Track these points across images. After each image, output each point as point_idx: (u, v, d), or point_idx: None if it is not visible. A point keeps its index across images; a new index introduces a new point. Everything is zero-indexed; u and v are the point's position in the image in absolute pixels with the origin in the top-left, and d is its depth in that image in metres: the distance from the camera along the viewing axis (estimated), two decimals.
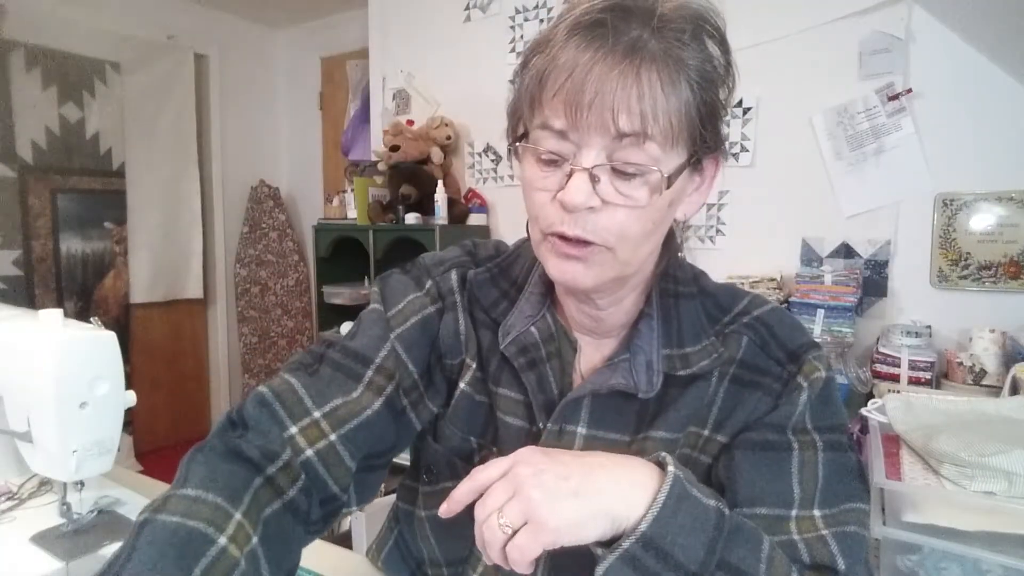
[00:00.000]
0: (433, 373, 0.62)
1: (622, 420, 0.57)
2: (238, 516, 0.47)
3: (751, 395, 0.55)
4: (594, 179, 0.47)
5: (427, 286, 0.63)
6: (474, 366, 0.61)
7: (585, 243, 0.49)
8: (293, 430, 0.54)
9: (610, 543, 0.44)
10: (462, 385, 0.61)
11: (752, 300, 0.60)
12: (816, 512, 0.51)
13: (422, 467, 0.65)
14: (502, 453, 0.53)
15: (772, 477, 0.52)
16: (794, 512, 0.51)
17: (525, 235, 0.61)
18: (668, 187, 0.48)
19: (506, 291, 0.62)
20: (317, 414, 0.55)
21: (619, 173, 0.48)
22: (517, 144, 0.52)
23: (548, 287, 0.61)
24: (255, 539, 0.48)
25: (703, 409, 0.56)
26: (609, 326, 0.59)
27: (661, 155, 0.47)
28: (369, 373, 0.58)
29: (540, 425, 0.57)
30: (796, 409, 0.54)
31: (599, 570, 0.43)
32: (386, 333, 0.60)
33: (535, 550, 0.42)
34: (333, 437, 0.55)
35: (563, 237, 0.49)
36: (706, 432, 0.56)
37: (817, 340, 1.74)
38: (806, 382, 0.54)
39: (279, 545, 0.50)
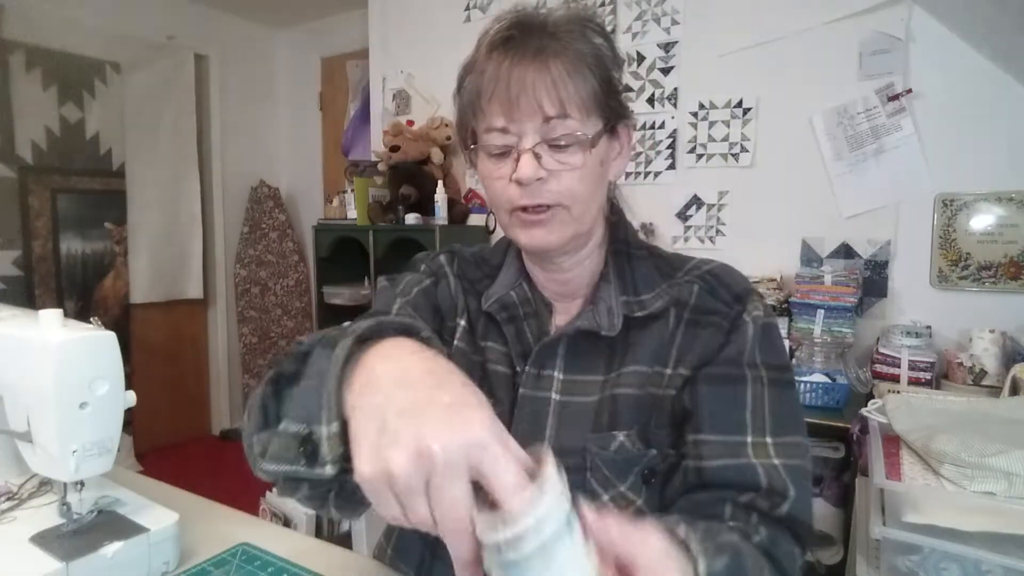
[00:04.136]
0: (442, 335, 0.72)
1: (593, 363, 0.66)
2: None
3: (704, 332, 0.64)
4: (537, 156, 0.59)
5: (422, 268, 0.76)
6: (464, 324, 0.72)
7: (545, 208, 0.61)
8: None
9: None
10: (456, 343, 0.72)
11: (701, 260, 0.71)
12: (768, 439, 0.60)
13: None
14: (495, 398, 0.66)
15: (730, 407, 0.61)
16: (748, 438, 0.60)
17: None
18: (594, 146, 0.61)
19: (488, 272, 0.75)
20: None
21: (555, 147, 0.60)
22: (472, 148, 0.65)
23: (521, 264, 0.73)
24: None
25: (664, 349, 0.65)
26: (575, 287, 0.70)
27: (581, 126, 0.60)
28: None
29: (519, 368, 0.67)
30: (747, 344, 0.63)
31: None
32: (394, 295, 0.73)
33: None
34: None
35: (524, 209, 0.61)
36: (668, 370, 0.64)
37: (817, 340, 1.75)
38: (749, 318, 0.64)
39: None
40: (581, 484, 0.62)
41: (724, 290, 0.66)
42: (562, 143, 0.59)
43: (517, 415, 0.66)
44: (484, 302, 0.71)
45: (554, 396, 0.66)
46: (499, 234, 0.76)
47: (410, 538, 0.74)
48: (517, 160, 0.60)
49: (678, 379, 0.64)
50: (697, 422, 0.61)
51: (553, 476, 0.34)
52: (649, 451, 0.63)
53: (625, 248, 0.70)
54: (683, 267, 0.70)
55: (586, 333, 0.65)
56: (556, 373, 0.66)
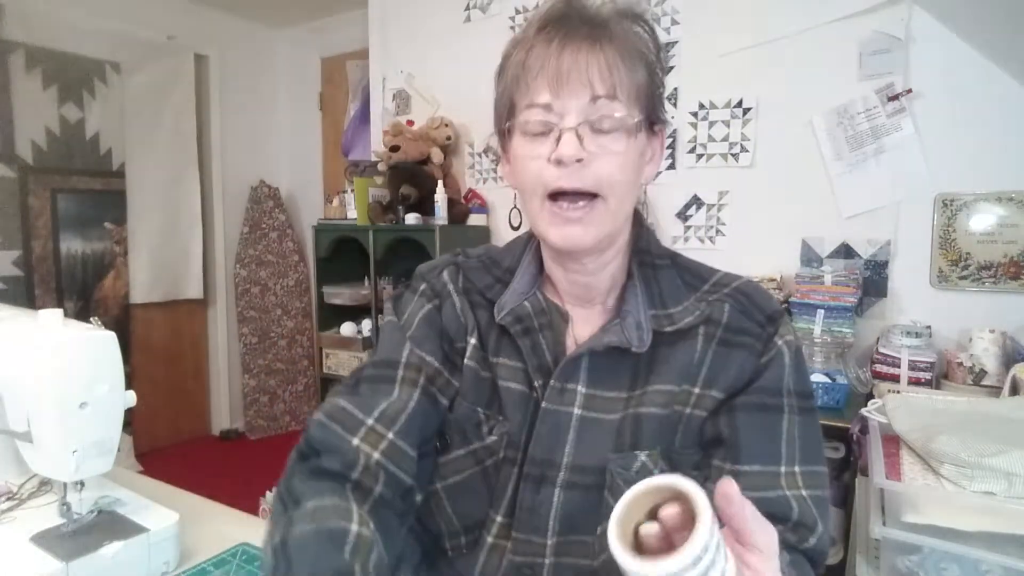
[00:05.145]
0: (452, 358, 0.69)
1: (618, 379, 0.64)
2: (355, 509, 0.56)
3: (737, 353, 0.63)
4: (579, 136, 0.57)
5: (422, 288, 0.72)
6: (474, 341, 0.68)
7: (582, 196, 0.58)
8: (356, 441, 0.61)
9: None
10: (467, 362, 0.68)
11: (725, 274, 0.69)
12: (797, 468, 0.60)
13: (437, 437, 0.70)
14: (507, 419, 0.64)
15: (766, 438, 0.61)
16: (782, 468, 0.60)
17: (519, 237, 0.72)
18: (638, 131, 0.60)
19: (499, 277, 0.70)
20: (370, 421, 0.62)
21: (598, 130, 0.58)
22: (509, 123, 0.62)
23: (538, 270, 0.70)
24: (372, 526, 0.56)
25: (693, 367, 0.63)
26: (596, 291, 0.67)
27: (626, 111, 0.58)
28: (400, 372, 0.66)
29: (537, 384, 0.64)
30: (784, 371, 0.62)
31: None
32: (403, 336, 0.69)
33: None
34: (391, 435, 0.62)
35: (562, 192, 0.58)
36: (697, 390, 0.63)
37: (817, 340, 1.76)
38: (783, 342, 0.63)
39: (384, 535, 0.57)
40: (599, 503, 0.61)
41: (756, 310, 0.64)
42: (605, 126, 0.58)
43: (537, 430, 0.63)
44: (497, 313, 0.67)
45: (576, 411, 0.63)
46: (518, 233, 0.73)
47: (411, 541, 0.74)
48: (558, 140, 0.57)
49: (708, 400, 0.62)
50: (734, 452, 0.60)
51: (707, 510, 0.35)
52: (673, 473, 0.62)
53: (649, 257, 0.68)
54: (708, 279, 0.68)
55: (611, 347, 0.63)
56: (579, 387, 0.64)
